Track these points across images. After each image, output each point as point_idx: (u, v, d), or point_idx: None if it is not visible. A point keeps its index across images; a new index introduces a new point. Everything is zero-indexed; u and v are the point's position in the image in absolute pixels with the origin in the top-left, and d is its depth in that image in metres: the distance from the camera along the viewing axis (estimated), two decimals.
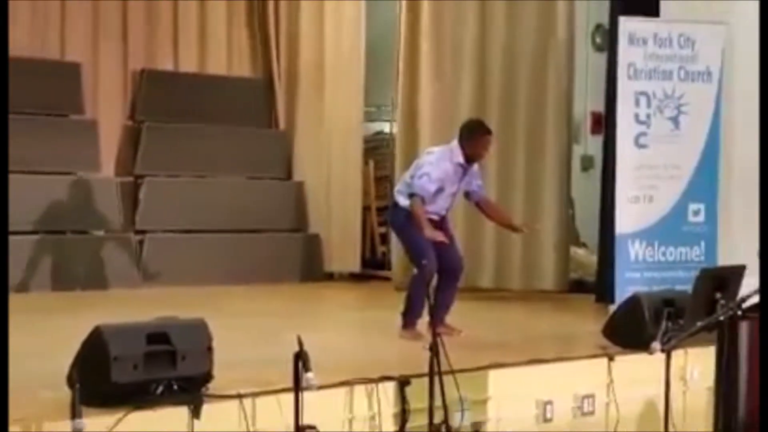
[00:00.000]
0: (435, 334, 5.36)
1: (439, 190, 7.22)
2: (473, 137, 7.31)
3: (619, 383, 6.41)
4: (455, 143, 7.31)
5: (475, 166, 7.45)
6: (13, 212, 9.69)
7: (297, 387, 4.72)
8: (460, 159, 7.25)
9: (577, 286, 10.49)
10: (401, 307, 7.27)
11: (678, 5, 8.50)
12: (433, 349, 5.30)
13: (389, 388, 5.53)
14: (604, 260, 9.40)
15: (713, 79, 8.35)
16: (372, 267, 11.88)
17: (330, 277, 11.66)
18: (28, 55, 10.47)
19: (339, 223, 11.64)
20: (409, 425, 5.51)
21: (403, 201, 7.26)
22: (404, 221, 7.29)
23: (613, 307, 7.68)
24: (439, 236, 7.08)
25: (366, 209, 12.06)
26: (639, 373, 6.31)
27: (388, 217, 7.98)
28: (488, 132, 7.41)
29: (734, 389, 5.25)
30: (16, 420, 4.39)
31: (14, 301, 8.61)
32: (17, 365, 5.69)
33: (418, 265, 7.12)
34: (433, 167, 7.23)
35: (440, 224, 7.28)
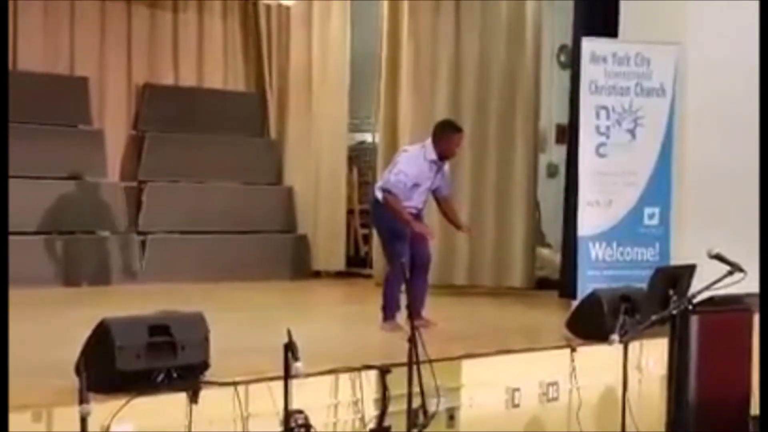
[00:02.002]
0: (413, 327, 5.36)
1: (415, 186, 7.20)
2: (445, 135, 7.28)
3: (580, 372, 6.41)
4: (428, 142, 7.28)
5: (447, 168, 7.44)
6: (27, 214, 9.69)
7: (287, 375, 4.70)
8: (433, 156, 7.22)
9: (543, 283, 10.50)
10: (381, 302, 7.26)
11: (635, 27, 8.52)
12: (412, 341, 5.30)
13: (371, 376, 5.52)
14: (567, 259, 9.42)
15: (666, 95, 8.37)
16: (355, 265, 11.87)
17: (317, 274, 11.64)
18: (41, 70, 10.46)
19: (325, 225, 11.64)
20: (389, 410, 5.51)
21: (381, 195, 7.23)
22: (388, 220, 7.25)
23: (575, 303, 7.68)
24: (429, 231, 7.12)
25: (350, 213, 12.06)
26: (599, 362, 6.32)
27: (371, 214, 7.90)
28: (458, 130, 7.38)
29: (685, 377, 5.27)
30: (28, 405, 4.36)
31: (26, 295, 8.59)
32: (29, 354, 5.69)
33: (393, 262, 7.11)
34: (407, 165, 7.21)
35: (417, 219, 7.27)
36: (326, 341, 6.47)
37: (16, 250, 9.37)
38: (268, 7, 11.68)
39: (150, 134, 11.02)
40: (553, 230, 11.00)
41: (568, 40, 10.54)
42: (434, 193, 7.44)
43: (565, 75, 10.74)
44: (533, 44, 10.52)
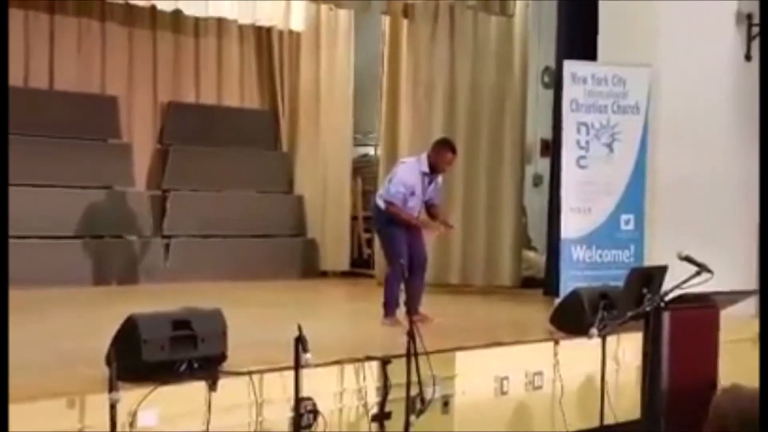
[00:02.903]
0: (411, 322, 5.37)
1: (411, 194, 7.24)
2: (440, 151, 7.34)
3: (563, 363, 6.42)
4: (424, 155, 7.35)
5: (440, 180, 7.47)
6: (60, 220, 9.72)
7: (297, 365, 4.72)
8: (425, 168, 7.27)
9: (529, 282, 10.48)
10: (382, 300, 7.26)
11: (612, 50, 8.53)
12: (410, 334, 5.30)
13: (374, 367, 5.51)
14: (551, 261, 9.42)
15: (641, 112, 8.36)
16: (359, 266, 11.85)
17: (324, 274, 11.62)
18: (75, 89, 10.46)
19: (332, 229, 11.63)
20: (389, 397, 5.51)
21: (383, 204, 7.28)
22: (385, 224, 7.29)
23: (558, 300, 7.67)
24: (436, 226, 7.14)
25: (354, 219, 12.05)
26: (580, 354, 6.31)
27: (373, 220, 7.91)
28: (452, 149, 7.42)
29: (658, 367, 5.27)
30: (62, 393, 4.37)
31: (62, 293, 8.63)
32: (63, 346, 5.70)
33: (392, 262, 7.13)
34: (405, 175, 7.27)
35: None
36: (333, 335, 6.46)
37: (53, 253, 9.51)
38: (281, 33, 11.69)
39: (173, 147, 11.01)
40: (538, 234, 11.01)
41: (552, 63, 10.54)
42: (426, 202, 7.48)
43: (549, 94, 10.74)
44: (520, 67, 10.54)
